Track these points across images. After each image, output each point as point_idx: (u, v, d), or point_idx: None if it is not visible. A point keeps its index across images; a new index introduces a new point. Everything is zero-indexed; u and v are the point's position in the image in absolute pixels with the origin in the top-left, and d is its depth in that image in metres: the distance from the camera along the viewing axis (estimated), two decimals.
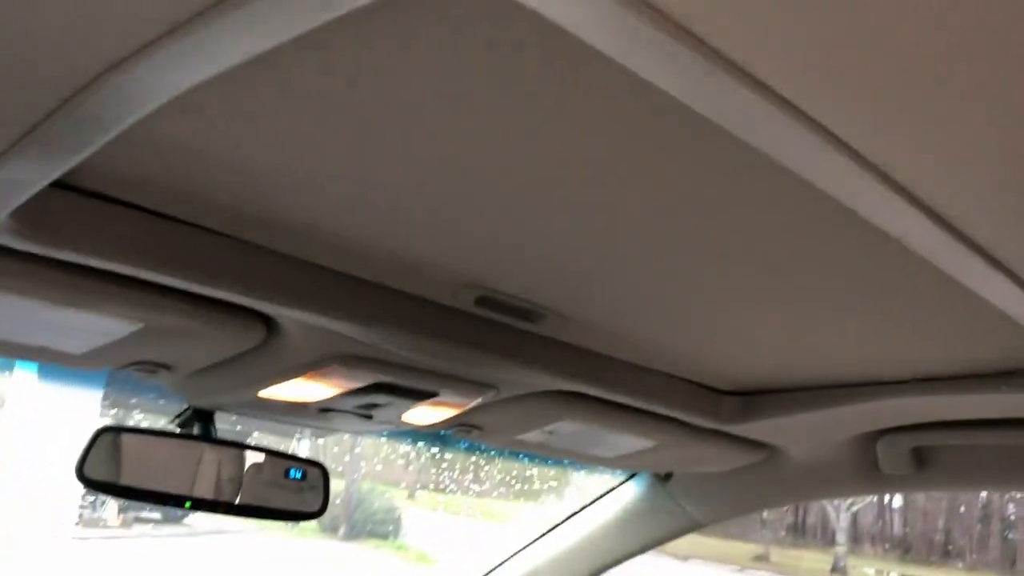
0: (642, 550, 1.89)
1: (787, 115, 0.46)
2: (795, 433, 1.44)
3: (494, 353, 1.07)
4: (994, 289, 0.70)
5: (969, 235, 0.60)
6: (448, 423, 1.32)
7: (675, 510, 1.82)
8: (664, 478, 1.79)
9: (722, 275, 0.91)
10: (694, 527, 1.82)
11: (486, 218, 0.81)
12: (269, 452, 1.31)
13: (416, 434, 1.45)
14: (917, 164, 0.52)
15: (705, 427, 1.40)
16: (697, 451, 1.51)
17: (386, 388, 1.11)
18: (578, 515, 1.91)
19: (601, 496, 1.91)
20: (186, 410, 1.29)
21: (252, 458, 1.28)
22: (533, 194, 0.74)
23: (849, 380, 1.24)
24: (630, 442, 1.46)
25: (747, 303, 0.99)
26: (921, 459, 1.49)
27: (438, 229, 0.84)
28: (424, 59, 0.54)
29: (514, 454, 1.60)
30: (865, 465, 1.51)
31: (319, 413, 1.23)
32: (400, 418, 1.22)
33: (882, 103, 0.47)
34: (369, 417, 1.21)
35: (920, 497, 21.79)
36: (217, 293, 0.89)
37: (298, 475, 1.31)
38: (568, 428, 1.38)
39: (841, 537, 21.40)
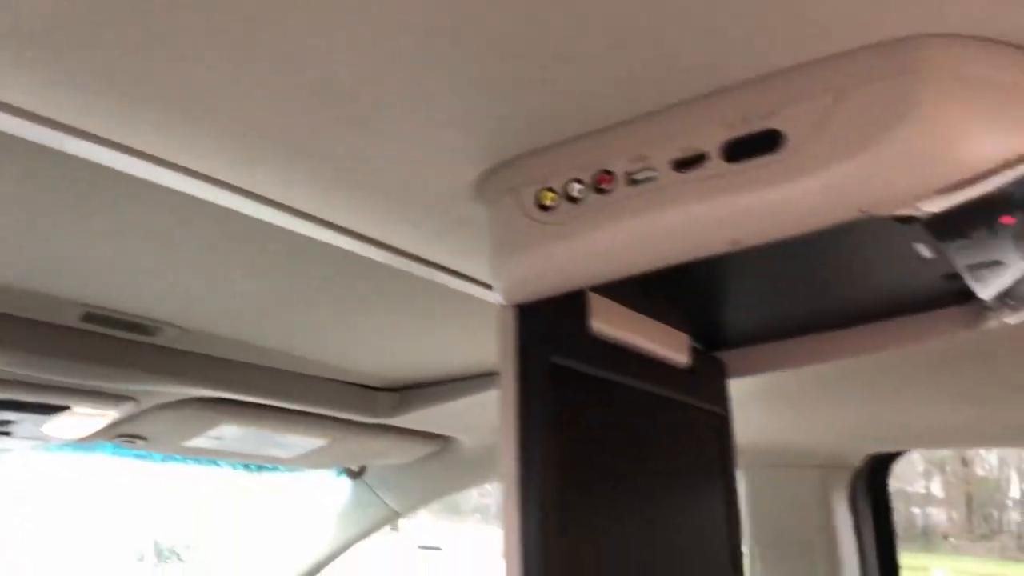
0: (351, 543, 2.00)
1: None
2: (455, 422, 1.58)
3: (114, 366, 1.13)
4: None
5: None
6: (105, 434, 1.37)
7: (375, 502, 1.94)
8: (358, 473, 1.90)
9: (339, 285, 0.99)
10: (394, 516, 1.94)
11: (80, 236, 0.83)
12: None
13: (88, 446, 1.48)
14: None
15: (369, 423, 1.52)
16: (372, 445, 1.63)
17: (12, 405, 1.15)
18: (287, 519, 2.00)
19: (311, 497, 2.00)
20: None
21: None
22: (112, 213, 0.78)
23: (480, 371, 1.39)
24: (302, 442, 1.56)
25: (372, 309, 1.08)
26: None
27: (33, 250, 0.87)
28: None
29: (194, 460, 1.65)
30: None
31: None
32: (42, 432, 1.26)
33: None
34: (8, 434, 1.25)
35: None
36: None
37: None
38: (233, 432, 1.46)
39: None
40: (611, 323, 0.73)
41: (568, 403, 0.66)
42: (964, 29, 0.50)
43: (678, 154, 0.55)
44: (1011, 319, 0.77)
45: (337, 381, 1.41)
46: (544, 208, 0.60)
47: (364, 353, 1.29)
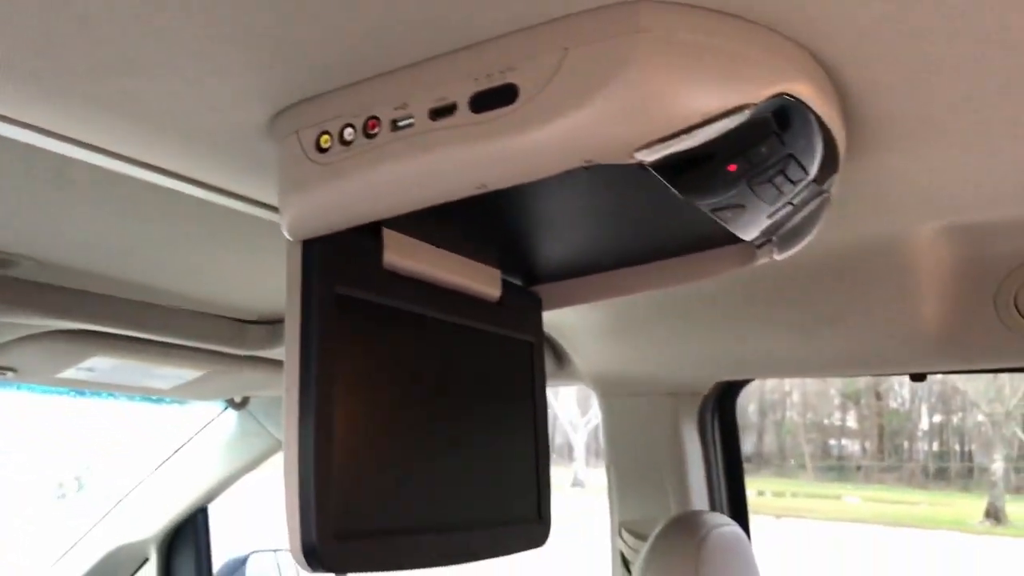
0: (240, 474, 2.05)
1: None
2: None
3: None
4: None
5: None
6: None
7: (260, 432, 1.99)
8: (241, 404, 1.95)
9: (189, 223, 1.00)
10: (279, 447, 1.99)
11: None
12: None
13: None
14: None
15: (243, 355, 1.56)
16: (250, 377, 1.67)
17: None
18: (179, 451, 2.04)
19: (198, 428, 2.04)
20: None
21: None
22: None
23: None
24: (178, 373, 1.59)
25: (228, 246, 1.09)
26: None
27: None
28: None
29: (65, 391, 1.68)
30: None
31: None
32: None
33: None
34: None
35: None
36: None
37: None
38: (106, 364, 1.49)
39: (579, 453, 23.12)
40: (409, 257, 0.78)
41: (358, 332, 0.72)
42: None
43: (433, 104, 0.60)
44: (778, 256, 0.85)
45: (207, 314, 1.44)
46: (321, 150, 0.65)
47: (231, 287, 1.32)
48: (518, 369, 0.96)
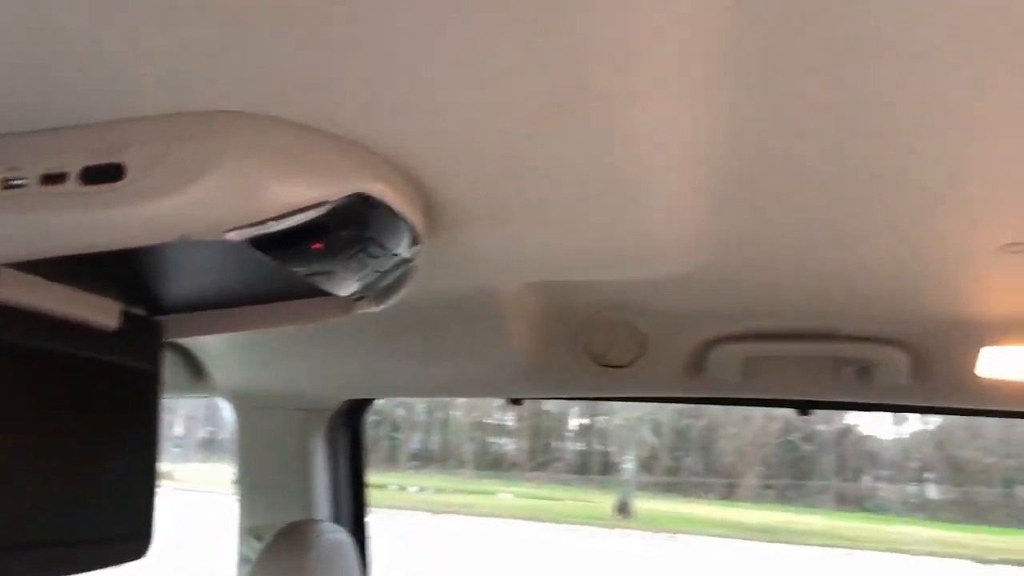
0: None
1: None
2: None
3: None
4: None
5: None
6: None
7: None
8: None
9: None
10: None
11: None
12: None
13: None
14: None
15: None
16: None
17: None
18: None
19: None
20: None
21: None
22: None
23: None
24: None
25: None
26: None
27: None
28: None
29: None
30: None
31: None
32: None
33: None
34: None
35: None
36: None
37: None
38: None
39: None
40: (23, 292, 0.82)
41: None
42: (258, 109, 0.67)
43: (45, 171, 0.67)
44: (375, 308, 1.00)
45: None
46: None
47: None
48: (133, 395, 1.02)
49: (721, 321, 1.61)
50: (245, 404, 1.74)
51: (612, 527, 15.25)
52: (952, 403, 1.77)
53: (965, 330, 1.57)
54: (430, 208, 0.90)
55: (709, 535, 13.73)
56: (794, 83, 0.69)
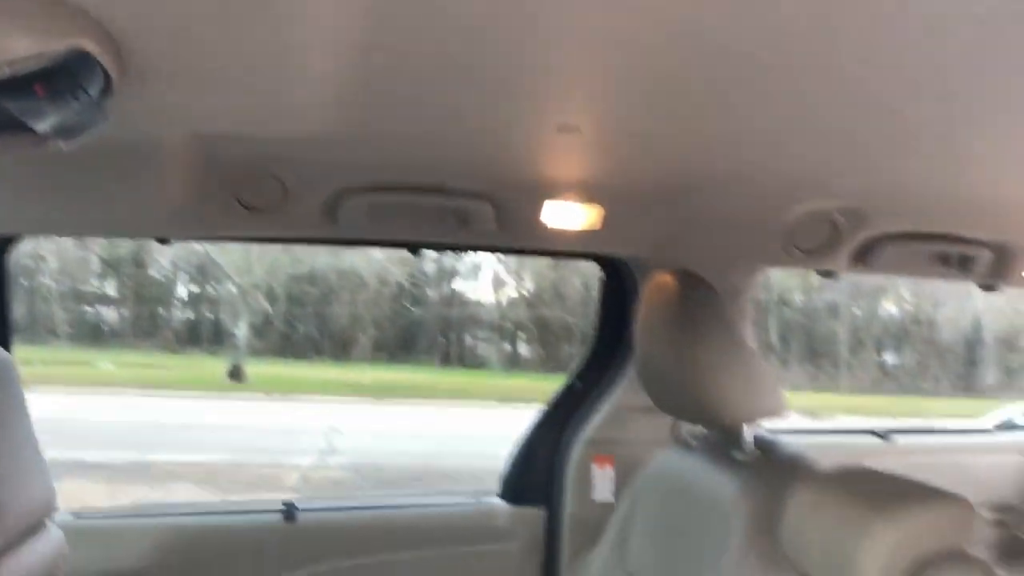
0: None
1: None
2: None
3: None
4: None
5: None
6: None
7: None
8: None
9: None
10: None
11: None
12: None
13: None
14: None
15: None
16: None
17: None
18: None
19: None
20: None
21: None
22: None
23: None
24: None
25: None
26: None
27: None
28: None
29: None
30: None
31: None
32: None
33: None
34: None
35: None
36: None
37: None
38: None
39: None
40: None
41: None
42: None
43: None
44: (64, 145, 1.16)
45: None
46: None
47: None
48: None
49: (351, 174, 1.95)
50: None
51: (226, 393, 15.32)
52: (526, 245, 2.32)
53: (532, 188, 2.07)
54: (125, 58, 1.10)
55: (323, 396, 14.41)
56: None
